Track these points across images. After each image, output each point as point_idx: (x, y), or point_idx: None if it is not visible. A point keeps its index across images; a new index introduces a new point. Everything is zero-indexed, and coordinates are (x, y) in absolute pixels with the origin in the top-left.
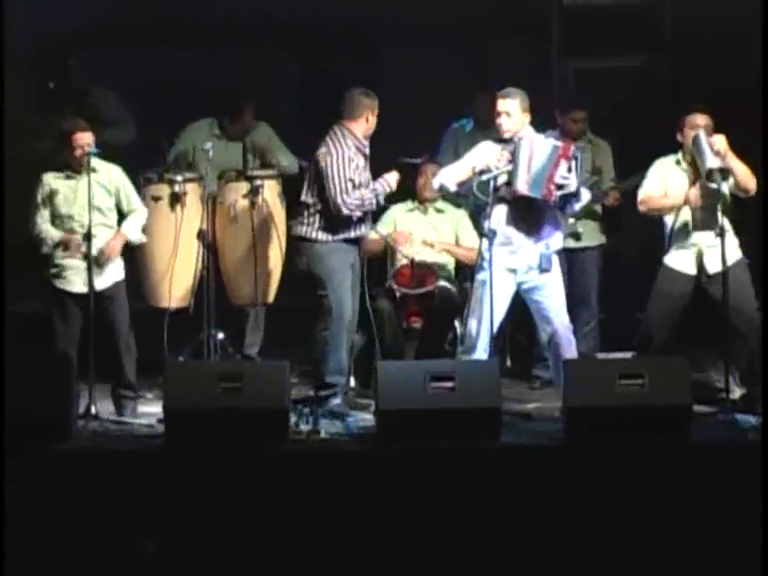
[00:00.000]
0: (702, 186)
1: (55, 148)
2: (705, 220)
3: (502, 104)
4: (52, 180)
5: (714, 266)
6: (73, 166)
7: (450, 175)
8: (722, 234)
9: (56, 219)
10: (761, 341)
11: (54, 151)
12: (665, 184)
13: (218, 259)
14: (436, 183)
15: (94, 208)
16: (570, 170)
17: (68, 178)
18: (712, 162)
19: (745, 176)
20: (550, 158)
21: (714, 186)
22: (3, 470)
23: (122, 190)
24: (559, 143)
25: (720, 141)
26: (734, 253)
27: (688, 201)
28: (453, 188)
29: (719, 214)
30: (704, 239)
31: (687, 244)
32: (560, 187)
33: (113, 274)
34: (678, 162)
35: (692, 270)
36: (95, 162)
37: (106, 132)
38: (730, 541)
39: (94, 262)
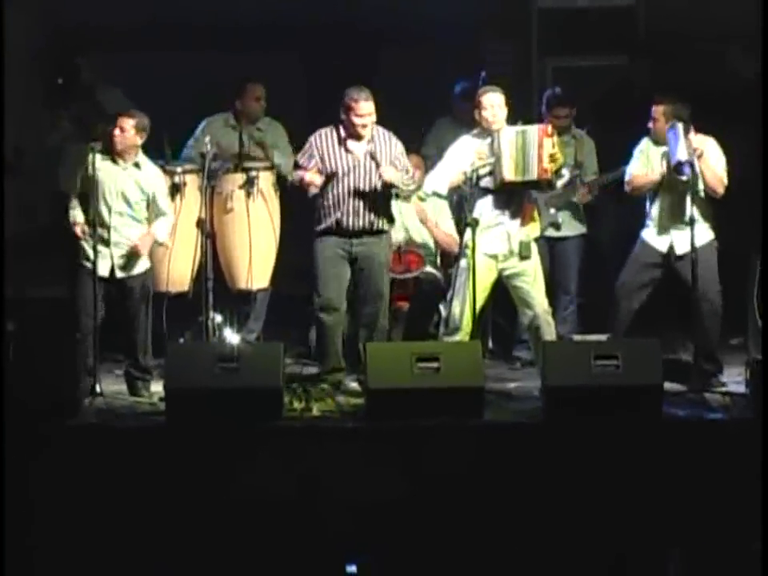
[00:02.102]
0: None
1: (64, 140)
2: (673, 207)
3: (493, 98)
4: (99, 161)
5: (681, 248)
6: (119, 154)
7: (440, 180)
8: (691, 222)
9: (88, 197)
10: (717, 323)
11: (61, 145)
12: (647, 162)
13: (216, 246)
14: (428, 189)
15: (125, 200)
16: (554, 145)
17: (113, 162)
18: (682, 154)
19: (713, 180)
20: (532, 143)
21: (682, 177)
22: (4, 452)
23: (157, 193)
24: (536, 126)
25: (700, 141)
26: (703, 235)
27: (663, 175)
28: (445, 192)
29: (688, 202)
30: (675, 221)
31: (661, 223)
32: (553, 161)
33: (132, 265)
34: (655, 142)
35: (663, 248)
36: (142, 158)
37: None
38: (698, 509)
39: (125, 256)
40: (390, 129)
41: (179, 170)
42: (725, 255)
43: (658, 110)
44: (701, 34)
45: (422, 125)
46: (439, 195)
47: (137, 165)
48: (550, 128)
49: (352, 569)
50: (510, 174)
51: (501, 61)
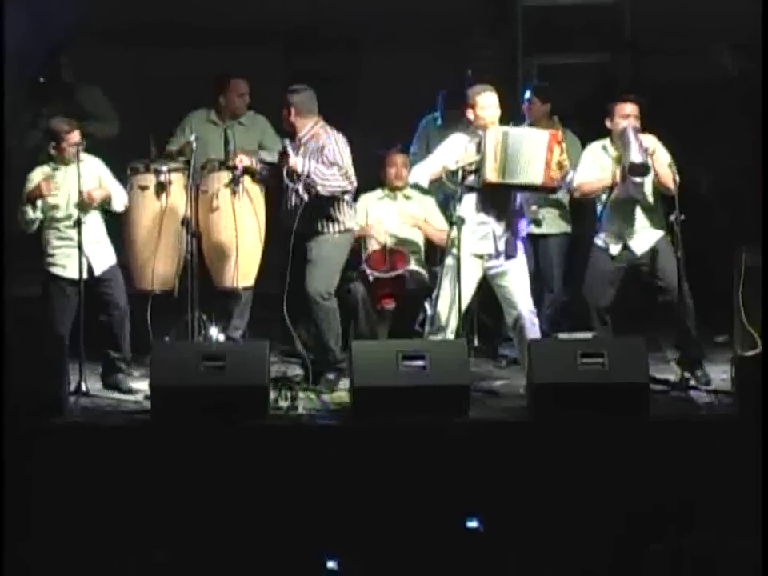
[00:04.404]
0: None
1: (44, 142)
2: (624, 213)
3: (490, 98)
4: (38, 175)
5: (639, 248)
6: (59, 159)
7: (423, 172)
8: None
9: (44, 209)
10: (691, 311)
11: (42, 145)
12: (594, 168)
13: (202, 245)
14: (410, 180)
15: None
16: (562, 152)
17: (54, 170)
18: (635, 157)
19: (665, 177)
20: (538, 146)
21: (636, 180)
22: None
23: (104, 178)
24: (548, 131)
25: (649, 140)
26: (654, 234)
27: (614, 179)
28: (426, 184)
29: (637, 206)
30: (626, 227)
31: (611, 231)
32: (560, 167)
33: (106, 258)
34: (604, 148)
35: (615, 251)
36: (81, 155)
37: (91, 126)
38: (683, 506)
39: (80, 206)
40: (374, 126)
41: (165, 168)
42: (708, 253)
43: (632, 109)
44: (686, 31)
45: (407, 123)
46: (421, 188)
47: (81, 160)
48: (560, 134)
49: (332, 565)
50: (491, 175)
51: (485, 58)
